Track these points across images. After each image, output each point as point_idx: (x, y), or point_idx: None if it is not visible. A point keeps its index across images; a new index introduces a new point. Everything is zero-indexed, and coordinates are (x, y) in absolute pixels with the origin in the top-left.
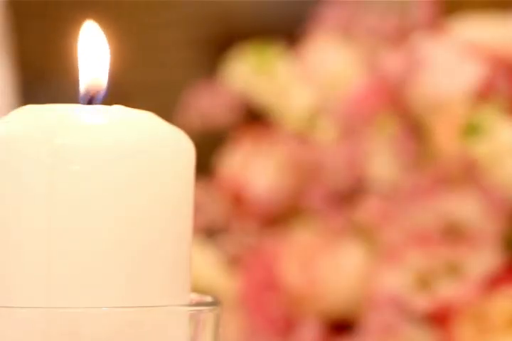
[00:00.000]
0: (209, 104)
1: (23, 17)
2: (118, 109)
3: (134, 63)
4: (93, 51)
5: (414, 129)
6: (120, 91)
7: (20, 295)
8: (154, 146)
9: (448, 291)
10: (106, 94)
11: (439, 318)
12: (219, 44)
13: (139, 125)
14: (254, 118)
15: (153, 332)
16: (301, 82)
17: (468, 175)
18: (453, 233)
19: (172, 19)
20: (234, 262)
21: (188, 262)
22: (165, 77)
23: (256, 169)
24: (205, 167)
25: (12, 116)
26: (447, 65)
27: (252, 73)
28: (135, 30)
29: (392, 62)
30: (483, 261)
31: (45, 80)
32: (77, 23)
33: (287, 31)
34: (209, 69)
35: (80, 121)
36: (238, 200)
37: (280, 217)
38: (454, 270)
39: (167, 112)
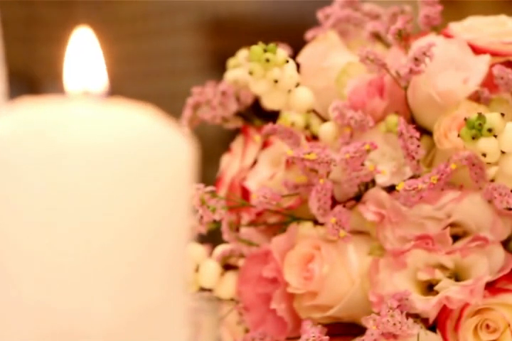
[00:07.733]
0: (211, 104)
1: (9, 22)
2: (117, 108)
3: (135, 70)
4: (87, 56)
5: (416, 129)
6: (121, 95)
7: (19, 295)
8: (152, 145)
9: (451, 293)
10: (107, 95)
11: (443, 320)
12: (221, 44)
13: (138, 124)
14: (254, 118)
15: (153, 332)
16: (302, 82)
17: (472, 174)
18: (457, 234)
19: (175, 23)
20: (234, 262)
21: (187, 262)
22: (167, 80)
23: (256, 169)
24: (206, 167)
25: (10, 115)
26: (450, 64)
27: (252, 73)
28: (134, 37)
29: (394, 62)
30: (487, 262)
31: (31, 86)
32: (71, 29)
33: (289, 31)
34: (211, 70)
35: (79, 121)
36: (238, 200)
37: (281, 217)
38: (457, 271)
39: (170, 113)
